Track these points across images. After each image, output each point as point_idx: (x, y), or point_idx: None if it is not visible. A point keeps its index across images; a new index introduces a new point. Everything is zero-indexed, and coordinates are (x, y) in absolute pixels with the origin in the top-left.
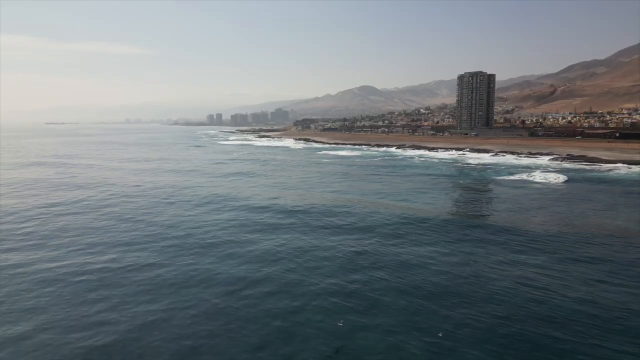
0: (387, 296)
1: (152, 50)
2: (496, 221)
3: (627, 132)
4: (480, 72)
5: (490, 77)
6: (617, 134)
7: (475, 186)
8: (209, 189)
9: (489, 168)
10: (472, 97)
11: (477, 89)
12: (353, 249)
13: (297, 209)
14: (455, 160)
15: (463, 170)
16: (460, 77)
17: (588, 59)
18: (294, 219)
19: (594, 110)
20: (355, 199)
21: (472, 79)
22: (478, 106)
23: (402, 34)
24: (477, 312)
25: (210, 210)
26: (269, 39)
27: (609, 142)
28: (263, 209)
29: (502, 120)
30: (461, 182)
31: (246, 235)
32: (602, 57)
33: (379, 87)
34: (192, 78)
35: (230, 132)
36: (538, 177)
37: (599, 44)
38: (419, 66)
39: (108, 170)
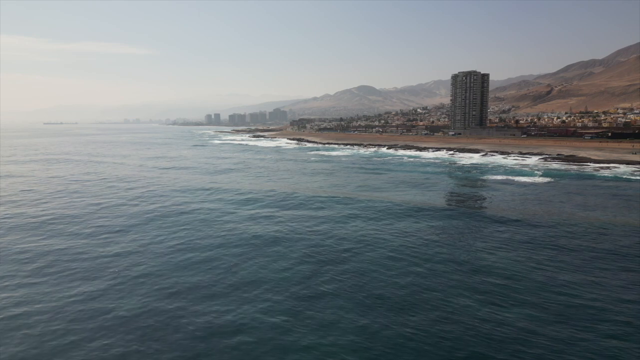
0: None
1: (152, 50)
2: (463, 211)
3: (619, 131)
4: (474, 71)
5: (484, 77)
6: (610, 134)
7: (455, 184)
8: (169, 184)
9: (475, 168)
10: (465, 96)
11: (471, 88)
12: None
13: (249, 199)
14: (443, 160)
15: (448, 170)
16: (454, 77)
17: (587, 58)
18: (247, 210)
19: (589, 109)
20: (319, 194)
21: (466, 78)
22: (472, 106)
23: (402, 34)
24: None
25: (153, 204)
26: (268, 39)
27: (600, 142)
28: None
29: (497, 120)
30: (443, 181)
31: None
32: (600, 56)
33: (377, 87)
34: (192, 78)
35: (226, 132)
36: (522, 177)
37: (598, 44)
38: (418, 66)
39: (80, 164)
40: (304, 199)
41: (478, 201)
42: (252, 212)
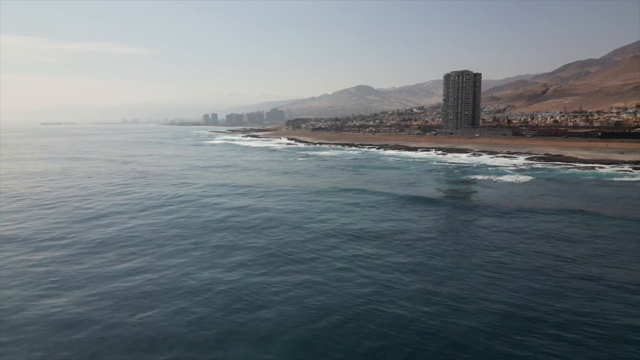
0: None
1: (152, 50)
2: (433, 206)
3: (609, 131)
4: (466, 71)
5: (477, 76)
6: (599, 133)
7: (434, 182)
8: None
9: (459, 167)
10: (458, 96)
11: (463, 88)
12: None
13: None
14: (429, 160)
15: (431, 169)
16: (447, 77)
17: (584, 58)
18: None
19: (584, 109)
20: (285, 190)
21: (458, 78)
22: (464, 105)
23: (401, 34)
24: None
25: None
26: (268, 39)
27: (589, 141)
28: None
29: (491, 120)
30: (422, 179)
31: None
32: (597, 56)
33: (375, 87)
34: (192, 78)
35: (221, 131)
36: (504, 176)
37: (595, 43)
38: (416, 66)
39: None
40: (265, 194)
41: (453, 197)
42: (210, 203)
